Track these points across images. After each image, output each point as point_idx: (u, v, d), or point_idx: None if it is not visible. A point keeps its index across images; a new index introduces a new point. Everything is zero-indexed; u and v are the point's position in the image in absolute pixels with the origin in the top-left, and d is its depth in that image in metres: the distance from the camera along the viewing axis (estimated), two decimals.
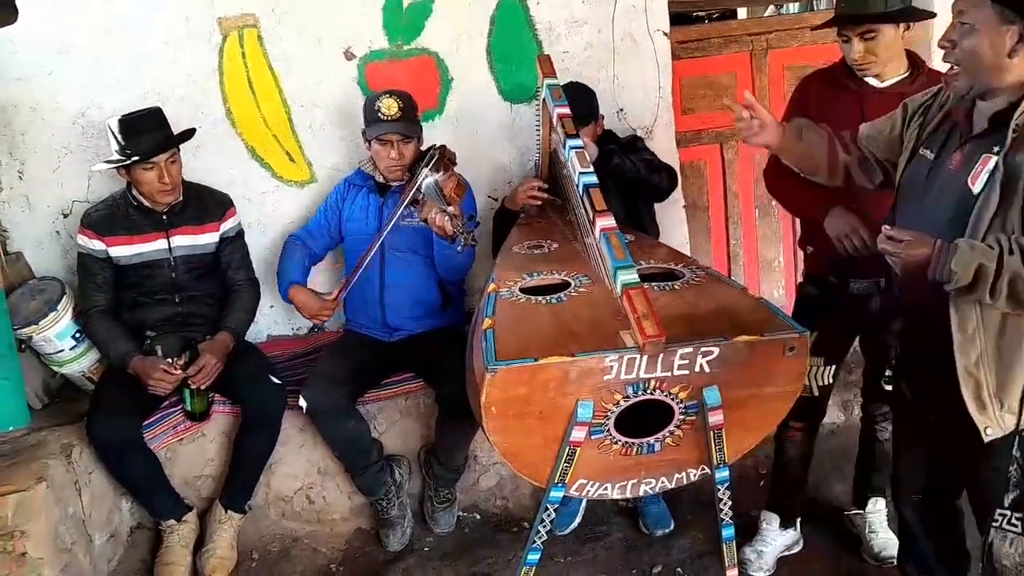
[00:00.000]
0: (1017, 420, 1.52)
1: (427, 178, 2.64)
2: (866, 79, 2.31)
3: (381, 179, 2.91)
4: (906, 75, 2.30)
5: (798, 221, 2.85)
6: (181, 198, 2.77)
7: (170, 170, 2.67)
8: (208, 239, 2.81)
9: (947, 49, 1.62)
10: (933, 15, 2.48)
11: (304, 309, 2.92)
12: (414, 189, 2.67)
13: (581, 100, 2.69)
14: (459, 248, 2.56)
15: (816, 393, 2.46)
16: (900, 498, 2.05)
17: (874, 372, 2.53)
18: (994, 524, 1.51)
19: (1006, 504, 1.51)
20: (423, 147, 2.86)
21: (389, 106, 2.75)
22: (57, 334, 2.75)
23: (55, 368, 2.86)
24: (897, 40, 2.25)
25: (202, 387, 2.66)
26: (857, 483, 2.72)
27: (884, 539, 2.60)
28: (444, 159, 2.71)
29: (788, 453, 2.58)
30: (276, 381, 2.75)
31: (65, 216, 3.09)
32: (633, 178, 2.69)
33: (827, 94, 2.41)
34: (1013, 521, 1.51)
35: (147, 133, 2.63)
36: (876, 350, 2.51)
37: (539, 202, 2.77)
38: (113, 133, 2.64)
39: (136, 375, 2.61)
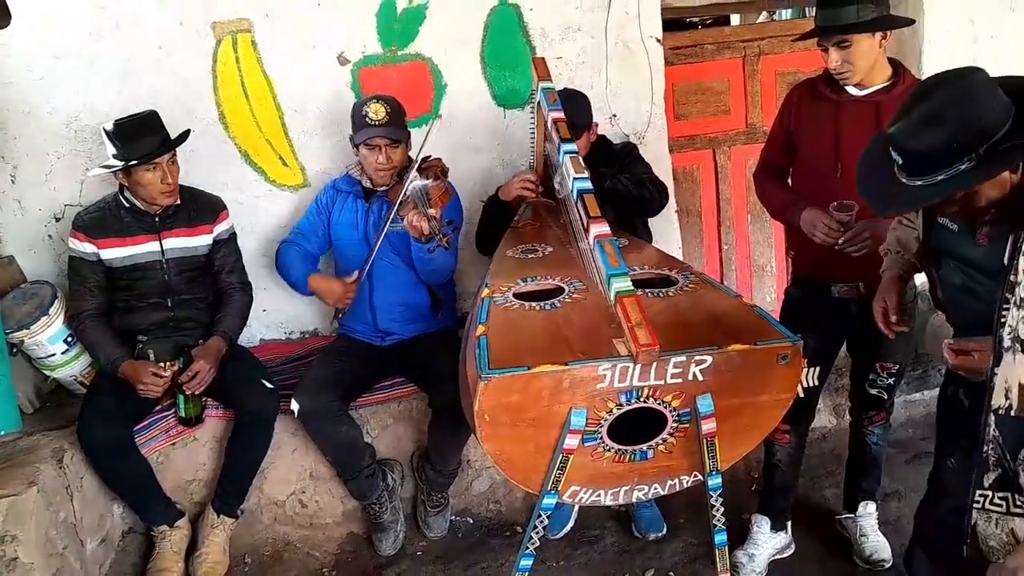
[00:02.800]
0: None
1: (415, 180, 2.65)
2: (846, 87, 2.34)
3: (368, 184, 2.91)
4: (887, 84, 2.33)
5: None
6: (178, 200, 2.77)
7: (171, 171, 2.67)
8: (201, 241, 2.81)
9: None
10: (910, 22, 2.51)
11: (329, 295, 2.88)
12: (403, 192, 2.67)
13: (573, 109, 2.68)
14: (431, 248, 2.57)
15: (802, 395, 2.45)
16: (939, 502, 1.98)
17: (860, 376, 2.56)
18: (975, 506, 1.51)
19: (986, 484, 1.50)
20: (415, 155, 2.86)
21: (376, 111, 2.74)
22: (49, 338, 2.74)
23: (47, 372, 2.85)
24: (874, 49, 2.27)
25: (196, 392, 2.66)
26: (848, 487, 2.73)
27: (875, 542, 2.62)
28: (436, 168, 2.72)
29: (776, 456, 2.60)
30: (269, 385, 2.75)
31: (57, 220, 3.08)
32: (625, 200, 2.69)
33: (806, 103, 2.46)
34: (996, 501, 1.51)
35: (147, 135, 2.63)
36: (862, 354, 2.55)
37: (532, 194, 2.77)
38: (110, 137, 2.62)
39: (127, 379, 2.61)
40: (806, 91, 2.49)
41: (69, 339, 2.79)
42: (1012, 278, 1.41)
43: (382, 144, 2.76)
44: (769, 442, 2.58)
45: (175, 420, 2.74)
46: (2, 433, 2.62)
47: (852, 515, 2.68)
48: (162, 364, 2.63)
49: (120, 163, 2.61)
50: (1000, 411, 1.41)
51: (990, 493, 1.49)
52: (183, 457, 2.83)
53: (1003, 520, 1.50)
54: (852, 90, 2.34)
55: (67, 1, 2.94)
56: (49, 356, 2.78)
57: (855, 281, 2.39)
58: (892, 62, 2.37)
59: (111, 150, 2.63)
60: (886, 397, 2.54)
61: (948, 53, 3.33)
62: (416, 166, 2.70)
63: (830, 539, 2.74)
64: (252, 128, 3.16)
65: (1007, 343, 1.39)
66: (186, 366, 2.65)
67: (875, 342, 2.41)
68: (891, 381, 2.51)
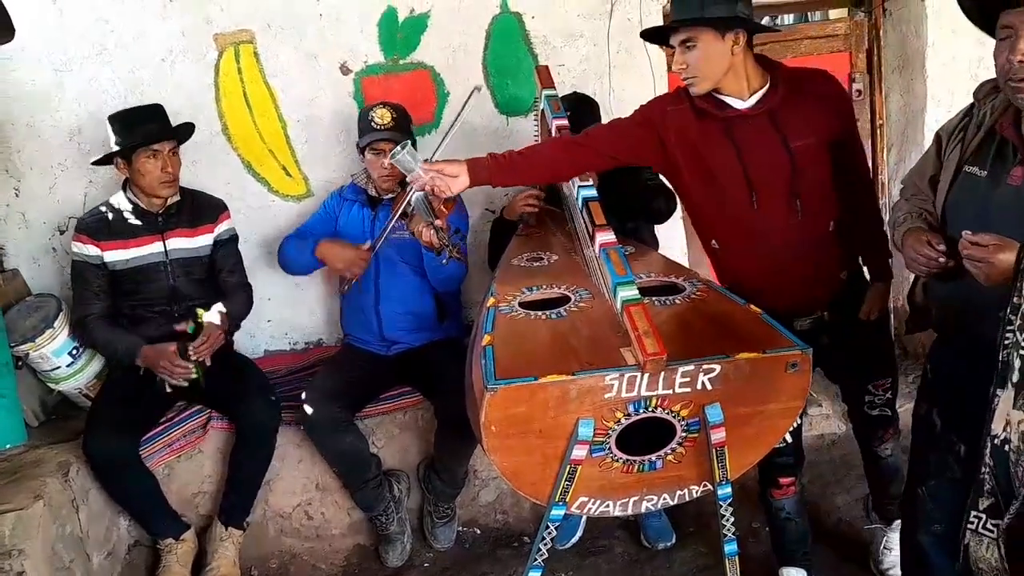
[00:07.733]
0: None
1: (416, 192, 2.64)
2: (729, 103, 2.07)
3: (374, 192, 2.92)
4: (767, 88, 2.07)
5: None
6: (179, 197, 2.77)
7: (172, 162, 2.69)
8: (203, 241, 2.81)
9: None
10: (770, 30, 2.31)
11: (338, 260, 2.84)
12: (404, 203, 2.67)
13: (581, 115, 2.67)
14: (443, 261, 2.57)
15: (790, 440, 2.21)
16: (918, 527, 1.96)
17: (855, 400, 2.39)
18: (969, 527, 1.50)
19: (981, 508, 1.49)
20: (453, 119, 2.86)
21: (382, 115, 2.78)
22: (54, 351, 2.75)
23: (52, 385, 2.85)
24: (724, 54, 1.99)
25: (200, 359, 2.63)
26: (876, 500, 2.58)
27: (896, 559, 2.50)
28: None
29: (786, 510, 2.39)
30: (271, 397, 2.74)
31: (61, 232, 3.09)
32: (632, 206, 2.67)
33: (696, 127, 2.11)
34: (988, 526, 1.50)
35: (149, 123, 2.66)
36: (849, 379, 2.40)
37: (536, 210, 2.76)
38: (112, 123, 2.65)
39: (148, 366, 2.61)
40: (684, 112, 2.12)
41: (74, 351, 2.79)
42: (1016, 299, 1.39)
43: (386, 148, 2.76)
44: (773, 499, 2.40)
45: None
46: (8, 446, 2.61)
47: (884, 527, 2.55)
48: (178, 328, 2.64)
49: (124, 146, 2.62)
50: (997, 440, 1.40)
51: (984, 516, 1.49)
52: (188, 469, 2.82)
53: (994, 545, 1.48)
54: (735, 103, 2.06)
55: (70, 14, 2.96)
56: (54, 369, 2.78)
57: (813, 313, 2.20)
58: (763, 60, 2.11)
59: (113, 138, 2.66)
60: (890, 413, 2.37)
61: (952, 55, 3.30)
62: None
63: (842, 546, 2.70)
64: (255, 139, 3.17)
65: (1016, 376, 1.36)
66: (196, 333, 2.64)
67: (860, 363, 2.30)
68: (889, 395, 2.35)
